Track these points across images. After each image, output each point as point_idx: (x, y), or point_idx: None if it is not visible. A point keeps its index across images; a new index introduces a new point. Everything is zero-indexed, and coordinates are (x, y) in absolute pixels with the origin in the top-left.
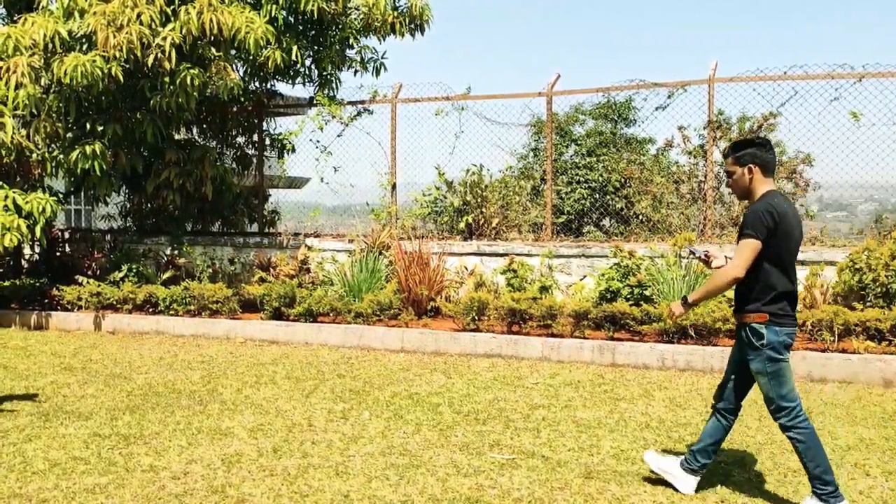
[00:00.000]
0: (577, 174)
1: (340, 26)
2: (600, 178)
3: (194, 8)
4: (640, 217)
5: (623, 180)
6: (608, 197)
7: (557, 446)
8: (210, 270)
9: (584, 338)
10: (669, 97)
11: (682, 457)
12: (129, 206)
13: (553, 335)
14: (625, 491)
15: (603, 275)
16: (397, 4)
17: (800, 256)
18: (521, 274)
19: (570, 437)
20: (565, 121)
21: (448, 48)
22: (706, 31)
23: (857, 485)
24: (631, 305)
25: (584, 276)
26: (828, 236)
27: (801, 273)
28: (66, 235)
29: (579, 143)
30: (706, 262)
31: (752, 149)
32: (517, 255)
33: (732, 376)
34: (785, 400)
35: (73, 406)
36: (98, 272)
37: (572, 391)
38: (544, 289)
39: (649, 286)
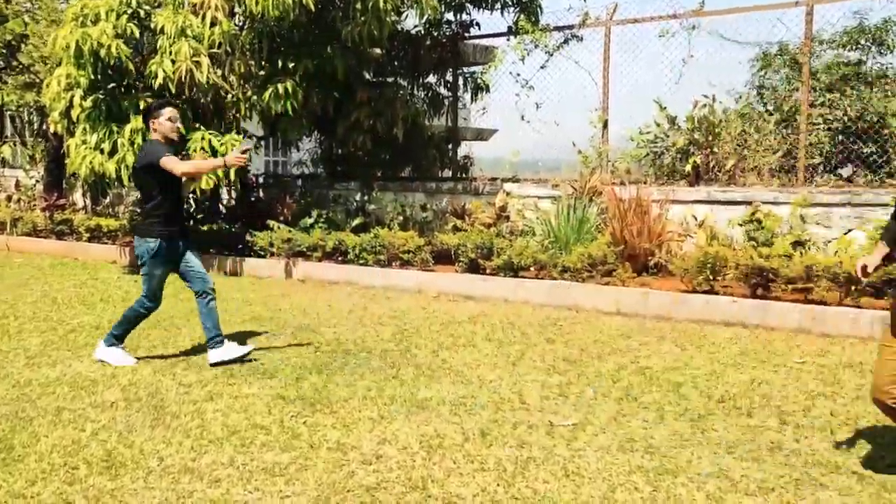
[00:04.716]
0: (816, 114)
1: None
2: (845, 118)
3: None
4: None
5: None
6: (857, 139)
7: (869, 456)
8: (401, 218)
9: (858, 306)
10: None
11: None
12: (319, 151)
13: (812, 301)
14: None
15: (880, 228)
16: None
17: None
18: (767, 226)
19: (882, 445)
20: (800, 51)
21: None
22: None
23: None
24: None
25: (850, 230)
26: None
27: None
28: (260, 181)
29: (818, 77)
30: None
31: None
32: (760, 202)
33: None
34: None
35: (258, 361)
36: (290, 218)
37: (856, 376)
38: (798, 244)
39: None
